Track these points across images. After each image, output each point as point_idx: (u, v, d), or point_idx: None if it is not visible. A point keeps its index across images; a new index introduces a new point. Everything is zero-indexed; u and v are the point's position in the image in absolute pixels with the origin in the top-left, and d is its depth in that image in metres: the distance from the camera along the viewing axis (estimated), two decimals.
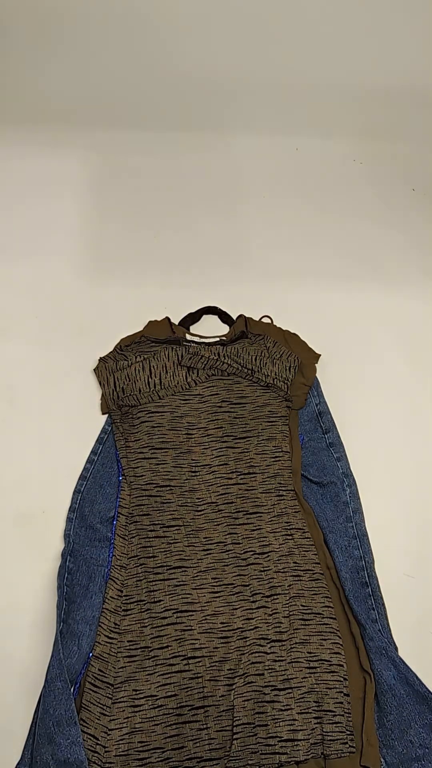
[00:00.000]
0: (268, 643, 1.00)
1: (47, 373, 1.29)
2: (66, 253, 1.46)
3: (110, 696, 0.96)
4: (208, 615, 1.02)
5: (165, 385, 1.23)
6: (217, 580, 1.06)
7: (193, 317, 1.39)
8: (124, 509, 1.12)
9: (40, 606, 1.05)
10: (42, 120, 1.69)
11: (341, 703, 0.96)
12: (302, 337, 1.34)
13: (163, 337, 1.31)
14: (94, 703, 0.95)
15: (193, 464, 1.16)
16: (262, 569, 1.07)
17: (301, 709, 0.95)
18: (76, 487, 1.15)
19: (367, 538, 1.12)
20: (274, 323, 1.37)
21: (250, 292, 1.42)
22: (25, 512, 1.14)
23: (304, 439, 1.23)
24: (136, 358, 1.26)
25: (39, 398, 1.26)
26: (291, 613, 1.03)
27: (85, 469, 1.17)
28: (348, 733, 0.94)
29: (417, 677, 0.98)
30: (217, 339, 1.34)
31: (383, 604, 1.06)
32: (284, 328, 1.35)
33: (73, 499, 1.14)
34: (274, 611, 1.03)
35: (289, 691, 0.96)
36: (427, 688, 0.97)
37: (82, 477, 1.16)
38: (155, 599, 1.03)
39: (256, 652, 0.99)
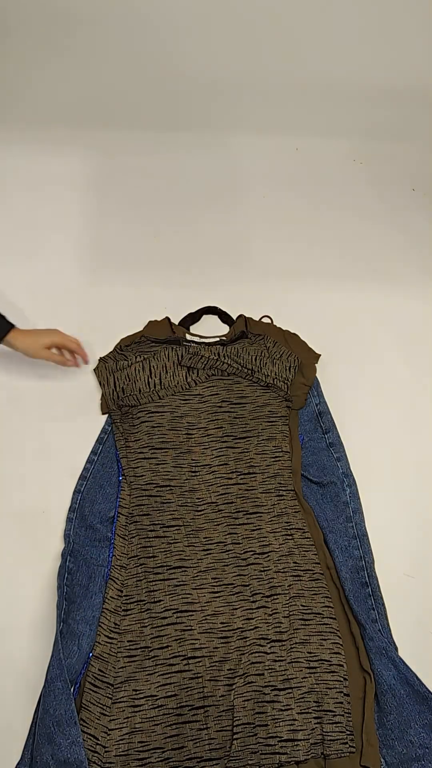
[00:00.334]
0: (268, 643, 1.00)
1: (47, 373, 1.29)
2: (66, 253, 1.46)
3: (110, 696, 0.96)
4: (208, 615, 1.02)
5: (165, 385, 1.23)
6: (217, 580, 1.06)
7: (193, 317, 1.39)
8: (124, 509, 1.12)
9: (40, 606, 1.05)
10: (42, 120, 1.69)
11: (341, 703, 0.96)
12: (302, 337, 1.34)
13: (163, 337, 1.31)
14: (94, 703, 0.95)
15: (193, 464, 1.16)
16: (262, 569, 1.07)
17: (301, 709, 0.95)
18: (76, 487, 1.15)
19: (367, 538, 1.12)
20: (274, 323, 1.37)
21: (250, 292, 1.42)
22: (25, 512, 1.14)
23: (304, 439, 1.23)
24: (136, 358, 1.26)
25: (39, 398, 1.26)
26: (291, 613, 1.03)
27: (85, 469, 1.17)
28: (348, 733, 0.94)
29: (417, 677, 0.98)
30: (217, 339, 1.34)
31: (383, 604, 1.06)
32: (284, 328, 1.35)
33: (73, 499, 1.14)
34: (274, 611, 1.03)
35: (289, 691, 0.96)
36: (427, 688, 0.97)
37: (82, 477, 1.16)
38: (155, 599, 1.03)
39: (256, 652, 0.99)
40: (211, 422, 1.20)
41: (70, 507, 1.13)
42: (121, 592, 1.05)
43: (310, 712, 0.95)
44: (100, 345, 1.31)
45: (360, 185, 1.67)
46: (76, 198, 1.56)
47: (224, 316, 1.39)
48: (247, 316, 1.37)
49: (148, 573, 1.05)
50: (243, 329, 1.34)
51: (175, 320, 1.37)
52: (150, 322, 1.35)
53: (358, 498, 1.16)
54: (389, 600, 1.07)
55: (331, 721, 0.95)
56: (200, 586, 1.05)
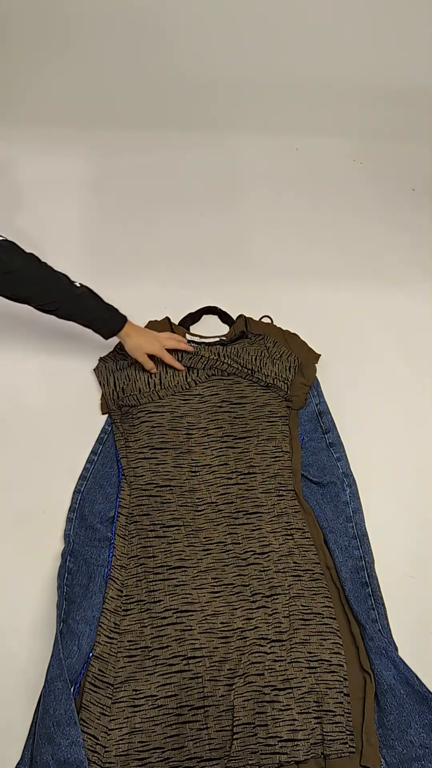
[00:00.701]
0: (268, 643, 1.00)
1: (47, 373, 1.29)
2: (66, 253, 1.45)
3: (110, 696, 0.96)
4: (208, 615, 1.02)
5: (165, 385, 1.23)
6: (217, 580, 1.06)
7: (193, 317, 1.39)
8: (124, 509, 1.12)
9: (40, 606, 1.05)
10: (42, 120, 1.69)
11: (341, 703, 0.96)
12: (302, 337, 1.34)
13: None
14: (94, 703, 0.95)
15: (193, 464, 1.16)
16: (262, 569, 1.07)
17: (301, 709, 0.95)
18: (76, 487, 1.15)
19: (367, 538, 1.12)
20: (274, 323, 1.37)
21: (250, 292, 1.42)
22: (25, 512, 1.14)
23: (304, 439, 1.22)
24: None
25: (39, 398, 1.26)
26: (291, 613, 1.03)
27: (85, 469, 1.17)
28: (348, 733, 0.94)
29: (417, 677, 0.98)
30: (217, 339, 1.34)
31: (383, 604, 1.06)
32: (284, 328, 1.35)
33: (73, 499, 1.14)
34: (274, 611, 1.03)
35: (289, 691, 0.96)
36: (427, 688, 0.97)
37: (82, 477, 1.16)
38: (155, 599, 1.03)
39: (256, 652, 0.99)
40: (211, 422, 1.20)
41: (70, 507, 1.13)
42: (121, 592, 1.05)
43: (310, 712, 0.95)
44: (100, 345, 1.31)
45: (360, 185, 1.67)
46: (76, 197, 1.56)
47: (224, 316, 1.39)
48: (247, 316, 1.37)
49: (148, 573, 1.05)
50: (243, 329, 1.34)
51: (175, 320, 1.37)
52: (150, 322, 1.35)
53: (358, 498, 1.16)
54: (389, 600, 1.07)
55: (331, 721, 0.95)
56: (200, 586, 1.05)
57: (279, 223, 1.56)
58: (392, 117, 1.79)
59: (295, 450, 1.19)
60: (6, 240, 1.08)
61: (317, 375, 1.30)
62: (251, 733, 0.93)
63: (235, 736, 0.92)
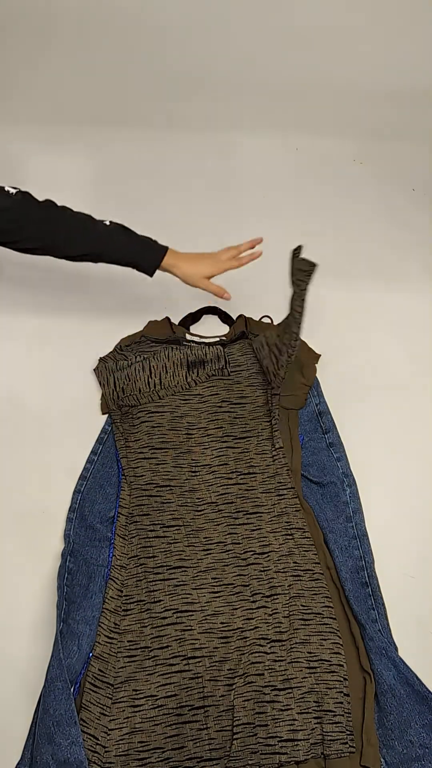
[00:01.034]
0: (268, 643, 1.00)
1: (47, 373, 1.29)
2: None
3: (110, 696, 0.96)
4: (208, 615, 1.02)
5: (165, 385, 1.23)
6: (217, 580, 1.06)
7: (193, 317, 1.39)
8: (124, 509, 1.12)
9: (40, 606, 1.05)
10: (42, 119, 1.69)
11: (341, 703, 0.96)
12: (302, 337, 1.34)
13: (163, 337, 1.31)
14: (94, 703, 0.95)
15: (193, 464, 1.16)
16: (262, 569, 1.07)
17: (301, 709, 0.95)
18: (76, 487, 1.15)
19: (367, 538, 1.12)
20: (274, 323, 1.37)
21: (250, 292, 1.42)
22: (25, 512, 1.14)
23: (304, 439, 1.22)
24: (136, 358, 1.26)
25: (39, 398, 1.26)
26: (291, 613, 1.03)
27: (85, 469, 1.17)
28: (348, 733, 0.94)
29: (417, 677, 0.98)
30: (217, 339, 1.34)
31: (383, 604, 1.06)
32: None
33: (73, 499, 1.14)
34: (274, 611, 1.03)
35: (289, 691, 0.96)
36: (427, 688, 0.97)
37: (82, 477, 1.16)
38: (155, 599, 1.03)
39: (256, 652, 0.99)
40: (211, 422, 1.20)
41: (70, 507, 1.13)
42: (121, 592, 1.05)
43: (310, 712, 0.95)
44: (100, 345, 1.31)
45: (360, 185, 1.67)
46: (76, 197, 1.55)
47: (224, 316, 1.39)
48: (247, 316, 1.37)
49: (148, 573, 1.05)
50: (243, 329, 1.34)
51: (175, 320, 1.37)
52: (150, 322, 1.35)
53: (358, 498, 1.16)
54: (389, 600, 1.07)
55: (331, 721, 0.95)
56: (200, 586, 1.05)
57: (279, 223, 1.56)
58: (392, 117, 1.79)
59: (295, 450, 1.19)
60: (19, 191, 1.02)
61: (317, 375, 1.30)
62: (251, 733, 0.93)
63: (235, 736, 0.92)
